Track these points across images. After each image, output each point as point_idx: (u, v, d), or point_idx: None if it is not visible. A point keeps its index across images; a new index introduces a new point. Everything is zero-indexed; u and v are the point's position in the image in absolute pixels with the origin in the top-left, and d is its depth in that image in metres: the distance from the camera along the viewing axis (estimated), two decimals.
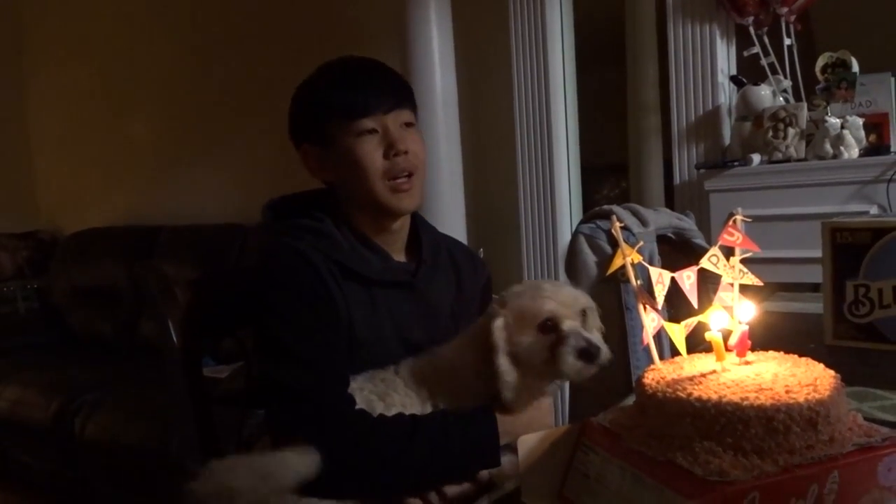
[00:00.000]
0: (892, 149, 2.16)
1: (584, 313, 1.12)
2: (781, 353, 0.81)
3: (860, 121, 2.16)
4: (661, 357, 0.85)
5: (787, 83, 2.37)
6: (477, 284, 1.39)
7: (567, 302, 1.10)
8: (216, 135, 4.05)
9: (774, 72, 2.38)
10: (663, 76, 2.71)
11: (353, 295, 1.20)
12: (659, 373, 0.78)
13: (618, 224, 0.94)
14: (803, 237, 1.97)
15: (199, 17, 4.06)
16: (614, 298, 1.70)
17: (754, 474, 0.62)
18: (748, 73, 2.44)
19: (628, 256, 0.89)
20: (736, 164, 2.29)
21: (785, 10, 2.31)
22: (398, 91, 1.27)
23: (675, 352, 0.87)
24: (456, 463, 1.12)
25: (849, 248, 1.29)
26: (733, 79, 2.46)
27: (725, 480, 0.62)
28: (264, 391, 1.15)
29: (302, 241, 1.21)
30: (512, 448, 1.10)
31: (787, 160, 2.22)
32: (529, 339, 1.10)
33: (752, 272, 0.88)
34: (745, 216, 0.90)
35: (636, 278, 0.88)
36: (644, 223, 1.82)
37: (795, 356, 0.80)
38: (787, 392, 0.68)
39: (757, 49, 2.36)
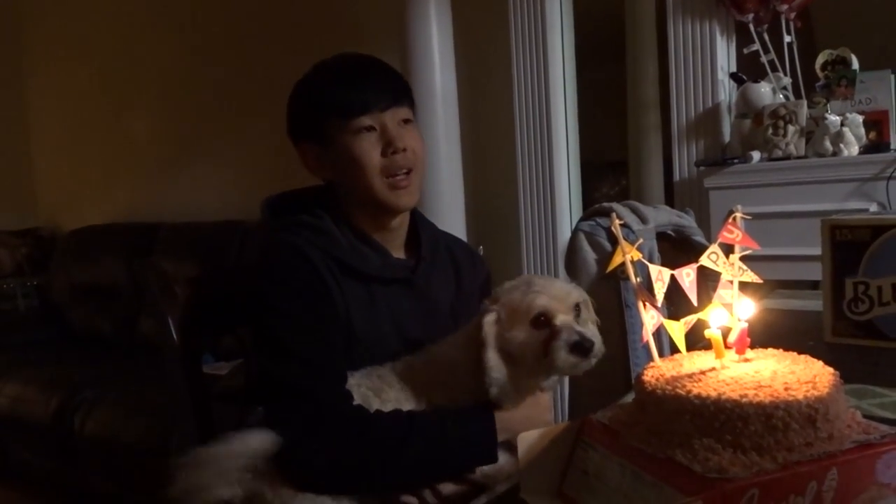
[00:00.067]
0: (892, 146, 2.15)
1: (577, 308, 1.11)
2: (780, 350, 0.81)
3: (860, 118, 2.16)
4: (661, 354, 0.85)
5: (787, 80, 2.37)
6: (476, 281, 1.39)
7: (559, 296, 1.10)
8: (216, 132, 4.05)
9: (774, 69, 2.37)
10: (663, 73, 2.71)
11: (351, 292, 1.21)
12: (658, 370, 0.78)
13: (617, 221, 0.94)
14: (803, 234, 1.97)
15: (198, 15, 4.06)
16: (614, 296, 1.70)
17: (753, 471, 0.62)
18: (748, 71, 2.44)
19: (628, 254, 0.89)
20: (736, 161, 2.29)
21: (785, 7, 2.31)
22: (395, 88, 1.27)
23: (674, 349, 0.87)
24: (453, 459, 1.12)
25: (848, 245, 1.29)
26: (733, 76, 2.45)
27: (725, 477, 0.62)
28: (262, 387, 1.15)
29: (300, 237, 1.21)
30: (509, 445, 1.11)
31: (787, 157, 2.22)
32: (522, 335, 1.09)
33: (752, 269, 0.88)
34: (744, 213, 0.90)
35: (636, 276, 0.88)
36: (644, 220, 1.82)
37: (794, 353, 0.80)
38: (785, 389, 0.68)
39: (757, 46, 2.36)
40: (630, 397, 0.82)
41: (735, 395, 0.67)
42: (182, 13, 4.12)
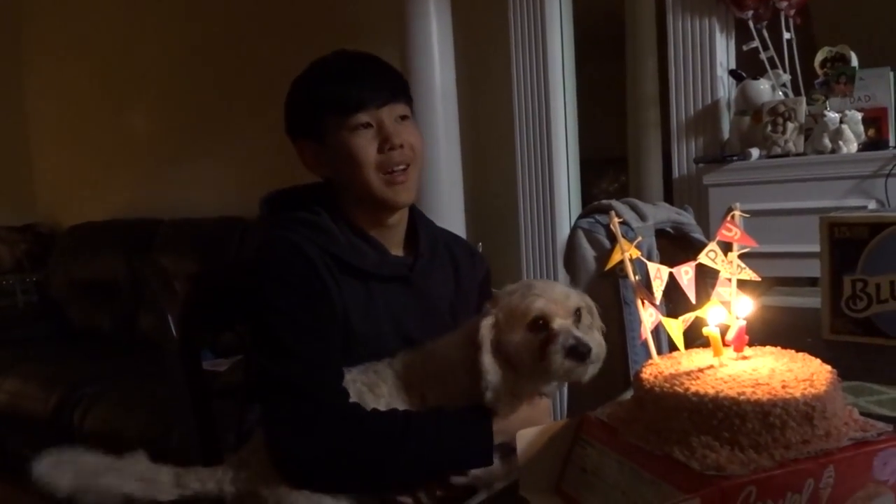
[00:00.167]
0: (891, 143, 2.16)
1: (577, 312, 1.10)
2: (778, 348, 0.81)
3: (859, 115, 2.16)
4: (659, 352, 0.85)
5: (787, 77, 2.37)
6: (475, 279, 1.39)
7: (559, 300, 1.08)
8: (215, 128, 4.04)
9: (773, 66, 2.38)
10: (662, 70, 2.71)
11: (349, 289, 1.21)
12: (657, 367, 0.78)
13: (616, 219, 0.94)
14: (802, 232, 1.98)
15: (198, 11, 4.05)
16: (612, 293, 1.70)
17: (751, 469, 0.62)
18: (747, 68, 2.44)
19: (626, 252, 0.89)
20: (735, 158, 2.29)
21: (784, 4, 2.31)
22: (392, 84, 1.27)
23: (673, 347, 0.87)
24: (448, 460, 1.12)
25: (847, 242, 1.29)
26: (732, 73, 2.45)
27: (722, 475, 0.62)
28: (259, 384, 1.15)
29: (298, 234, 1.21)
30: (505, 449, 1.11)
31: (786, 155, 2.22)
32: (519, 338, 1.08)
33: (751, 267, 0.88)
34: (743, 211, 0.90)
35: (634, 274, 0.89)
36: (643, 218, 1.82)
37: (792, 351, 0.80)
38: (783, 387, 0.69)
39: (756, 43, 2.36)
40: (628, 395, 0.82)
41: (733, 393, 0.68)
42: (182, 8, 4.12)
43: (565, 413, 2.12)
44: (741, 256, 0.87)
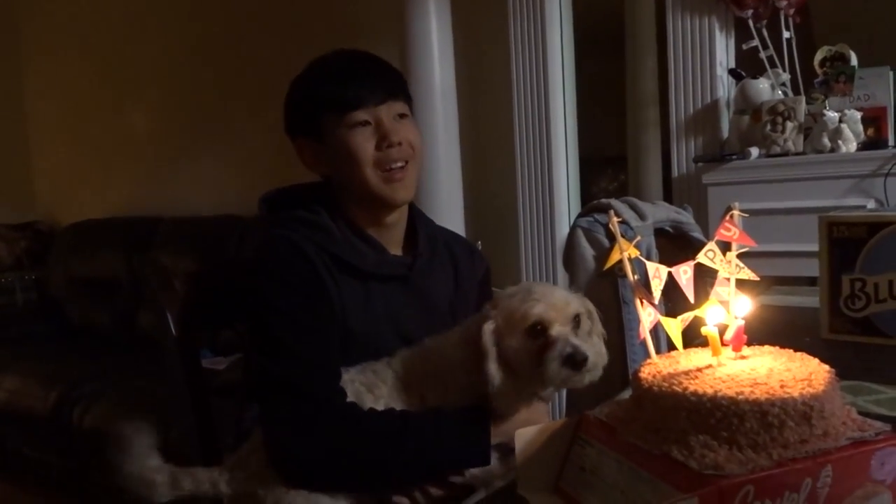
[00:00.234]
0: (890, 143, 2.16)
1: (576, 319, 1.09)
2: (777, 347, 0.81)
3: (858, 115, 2.16)
4: (658, 351, 0.85)
5: (786, 76, 2.37)
6: (475, 278, 1.39)
7: (557, 306, 1.07)
8: (215, 126, 4.04)
9: (773, 65, 2.38)
10: (662, 69, 2.71)
11: (347, 288, 1.21)
12: (655, 367, 0.79)
13: (615, 218, 0.94)
14: (800, 231, 1.98)
15: (198, 8, 4.05)
16: (611, 292, 1.70)
17: (749, 468, 0.62)
18: (747, 67, 2.44)
19: (625, 251, 0.89)
20: (734, 157, 2.29)
21: (784, 3, 2.31)
22: (390, 82, 1.27)
23: (671, 346, 0.87)
24: (446, 459, 1.12)
25: (845, 242, 1.30)
26: (732, 72, 2.45)
27: (720, 474, 0.62)
28: (257, 383, 1.15)
29: (297, 232, 1.21)
30: (503, 447, 1.11)
31: (785, 154, 2.22)
32: (517, 344, 1.08)
33: (749, 266, 0.88)
34: (742, 210, 0.90)
35: (633, 273, 0.89)
36: (642, 217, 1.82)
37: (791, 351, 0.80)
38: (781, 387, 0.69)
39: (756, 42, 2.36)
40: (627, 394, 0.82)
41: (731, 393, 0.68)
42: (182, 6, 4.11)
43: (564, 412, 2.13)
44: (740, 256, 0.88)
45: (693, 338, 0.89)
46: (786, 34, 2.35)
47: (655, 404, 0.72)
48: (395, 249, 1.31)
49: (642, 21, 3.16)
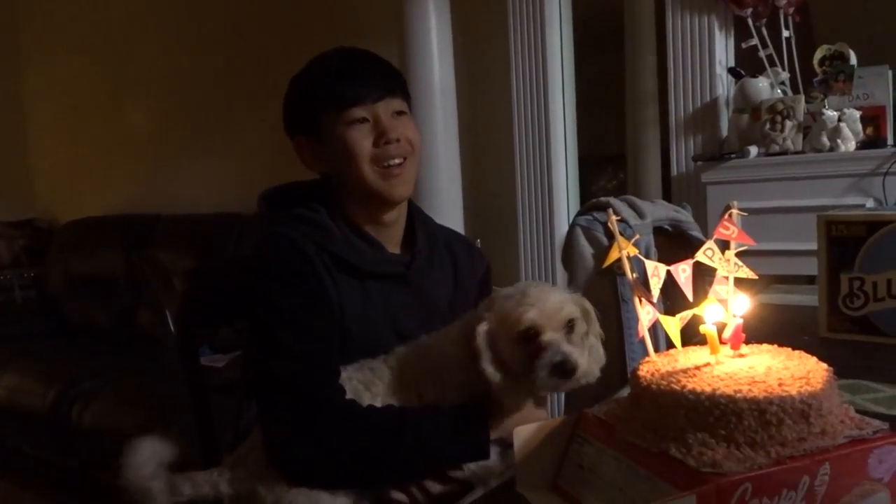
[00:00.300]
0: (889, 142, 2.16)
1: (570, 323, 1.08)
2: (775, 346, 0.82)
3: (857, 114, 2.16)
4: (657, 349, 0.85)
5: (785, 75, 2.37)
6: (475, 276, 1.39)
7: (551, 312, 1.06)
8: (214, 124, 4.04)
9: (772, 64, 2.38)
10: (661, 67, 2.71)
11: (345, 287, 1.21)
12: (654, 365, 0.79)
13: (614, 217, 0.94)
14: (799, 230, 1.98)
15: (197, 6, 4.05)
16: (610, 291, 1.70)
17: (747, 466, 0.63)
18: (746, 65, 2.44)
19: (624, 249, 0.89)
20: (733, 156, 2.29)
21: (783, 2, 2.31)
22: (388, 79, 1.27)
23: (670, 344, 0.87)
24: (445, 454, 1.12)
25: (844, 241, 1.30)
26: (731, 70, 2.45)
27: (718, 472, 0.62)
28: (255, 381, 1.15)
29: (296, 230, 1.21)
30: (503, 443, 1.11)
31: (784, 153, 2.22)
32: (510, 347, 1.07)
33: (748, 264, 0.88)
34: (741, 209, 0.90)
35: (632, 271, 0.89)
36: (641, 215, 1.82)
37: (789, 349, 0.80)
38: (779, 385, 0.69)
39: (755, 41, 2.36)
40: (625, 392, 0.82)
41: (729, 391, 0.68)
42: (181, 6, 4.11)
43: (563, 410, 2.13)
44: (739, 254, 0.88)
45: (692, 336, 0.89)
46: (785, 33, 2.35)
47: (654, 402, 0.72)
48: (394, 248, 1.31)
49: (642, 19, 3.16)
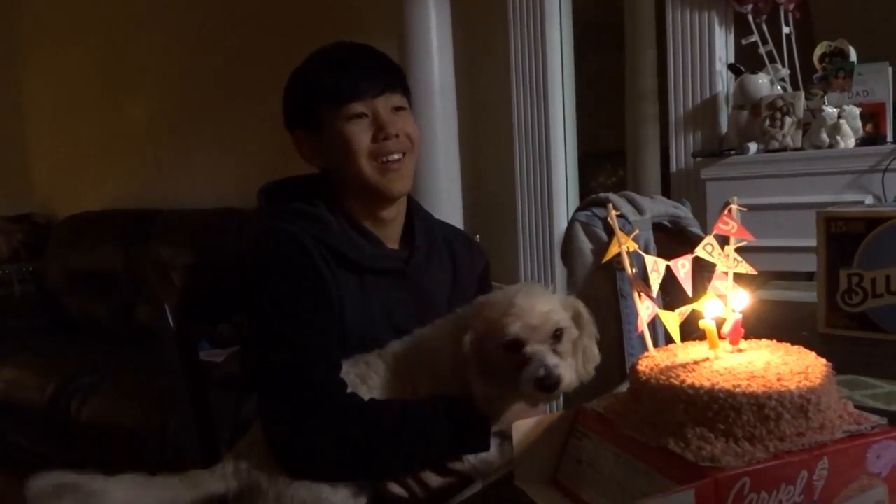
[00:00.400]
0: (889, 139, 2.16)
1: (557, 332, 1.05)
2: (774, 341, 0.82)
3: (857, 110, 2.16)
4: (656, 344, 0.85)
5: (785, 72, 2.37)
6: (474, 272, 1.39)
7: (535, 324, 1.03)
8: (213, 119, 4.03)
9: (772, 60, 2.38)
10: (661, 64, 2.71)
11: (344, 281, 1.21)
12: (653, 360, 0.79)
13: (614, 212, 0.94)
14: (798, 226, 1.98)
15: (195, 2, 4.04)
16: (610, 286, 1.70)
17: (745, 460, 0.63)
18: (746, 62, 2.44)
19: (624, 245, 0.89)
20: (732, 152, 2.29)
21: None
22: (388, 75, 1.27)
23: (669, 339, 0.87)
24: (446, 446, 1.12)
25: (843, 237, 1.30)
26: (731, 67, 2.45)
27: (717, 466, 0.62)
28: (256, 376, 1.16)
29: (295, 225, 1.21)
30: (503, 435, 1.11)
31: (784, 149, 2.22)
32: (495, 357, 1.06)
33: (747, 260, 0.88)
34: (740, 205, 0.90)
35: (631, 266, 0.89)
36: (640, 211, 1.82)
37: (788, 345, 0.80)
38: (778, 380, 0.69)
39: (755, 37, 2.36)
40: (625, 387, 0.82)
41: (728, 386, 0.68)
42: (179, 0, 4.10)
43: (561, 405, 2.13)
44: (738, 250, 0.88)
45: (691, 331, 0.89)
46: (785, 29, 2.35)
47: (653, 397, 0.72)
48: (393, 243, 1.31)
49: (642, 16, 3.15)
